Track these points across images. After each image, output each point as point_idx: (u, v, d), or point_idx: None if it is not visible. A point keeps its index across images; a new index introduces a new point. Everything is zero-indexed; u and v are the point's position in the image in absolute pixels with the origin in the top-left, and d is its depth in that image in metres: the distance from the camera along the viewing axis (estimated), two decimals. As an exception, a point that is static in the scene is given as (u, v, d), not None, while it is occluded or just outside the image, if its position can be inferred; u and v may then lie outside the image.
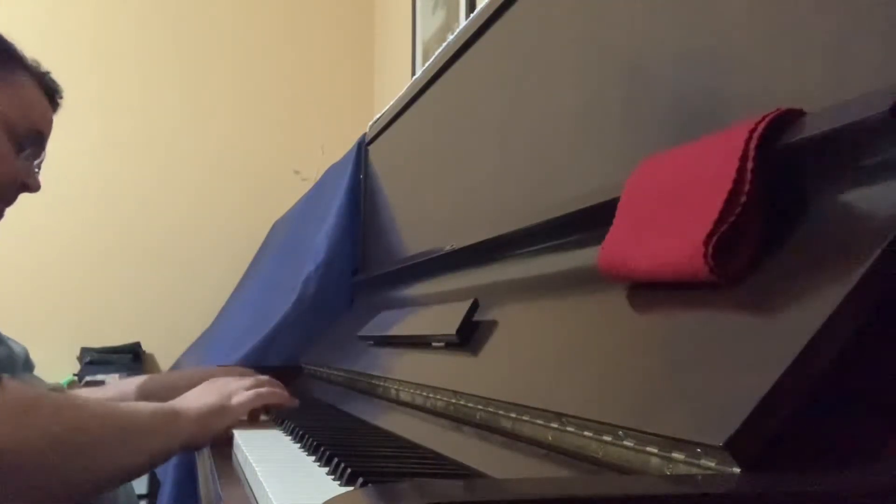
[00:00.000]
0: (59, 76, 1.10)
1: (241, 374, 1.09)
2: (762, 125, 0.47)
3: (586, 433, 0.50)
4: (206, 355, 1.93)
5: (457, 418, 0.74)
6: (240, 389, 0.96)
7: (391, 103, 1.59)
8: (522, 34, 0.97)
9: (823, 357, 0.38)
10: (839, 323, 0.38)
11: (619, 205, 0.59)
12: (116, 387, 1.25)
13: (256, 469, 0.67)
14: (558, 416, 0.54)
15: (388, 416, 0.94)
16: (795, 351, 0.38)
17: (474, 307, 0.82)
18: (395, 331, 1.08)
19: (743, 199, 0.46)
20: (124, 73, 2.94)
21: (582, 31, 0.82)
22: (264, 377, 1.05)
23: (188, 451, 0.93)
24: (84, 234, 2.85)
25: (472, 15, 1.14)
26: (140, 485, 2.39)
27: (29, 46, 1.07)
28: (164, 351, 2.80)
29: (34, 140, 1.00)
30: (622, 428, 0.46)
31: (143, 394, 1.12)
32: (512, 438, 0.62)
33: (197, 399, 0.92)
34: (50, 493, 0.74)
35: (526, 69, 0.95)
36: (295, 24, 3.17)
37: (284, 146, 3.07)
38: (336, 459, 0.65)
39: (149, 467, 0.85)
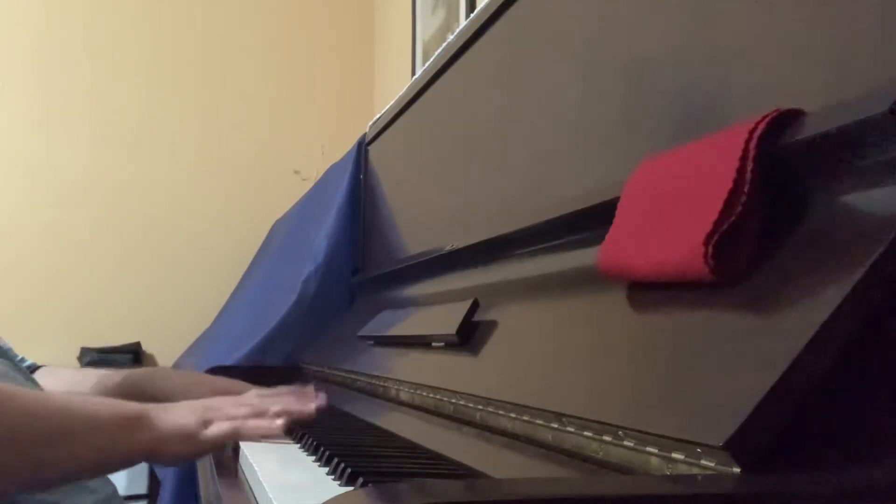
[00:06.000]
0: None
1: (239, 399, 0.93)
2: (762, 125, 0.47)
3: (586, 433, 0.50)
4: (206, 355, 1.93)
5: (457, 418, 0.74)
6: (224, 417, 0.85)
7: (391, 103, 1.59)
8: (522, 34, 0.97)
9: (823, 357, 0.38)
10: (839, 323, 0.38)
11: (619, 205, 0.60)
12: (72, 377, 1.20)
13: (256, 469, 0.67)
14: (558, 416, 0.54)
15: (388, 416, 0.94)
16: (795, 351, 0.38)
17: (474, 307, 0.82)
18: (396, 331, 1.08)
19: (743, 199, 0.46)
20: (124, 73, 2.94)
21: (582, 31, 0.82)
22: (266, 403, 0.90)
23: (149, 462, 0.87)
24: (84, 235, 2.85)
25: (472, 15, 1.14)
26: (140, 485, 2.40)
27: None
28: (164, 351, 2.80)
29: None
30: (622, 428, 0.46)
31: (122, 388, 1.07)
32: (512, 438, 0.62)
33: (173, 414, 0.83)
34: None
35: (526, 69, 0.95)
36: (295, 23, 3.17)
37: (284, 146, 3.07)
38: (336, 459, 0.65)
39: (99, 470, 0.80)
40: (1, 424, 0.69)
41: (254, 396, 0.91)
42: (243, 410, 0.87)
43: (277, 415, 0.88)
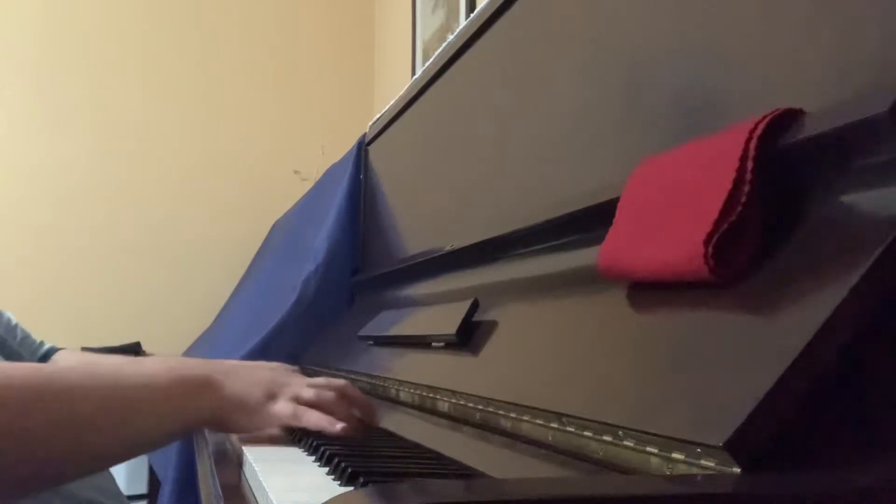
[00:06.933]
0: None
1: (310, 380, 0.86)
2: (762, 125, 0.47)
3: (586, 433, 0.50)
4: (206, 355, 1.93)
5: (457, 418, 0.74)
6: (290, 395, 0.80)
7: (391, 103, 1.59)
8: (522, 34, 0.97)
9: (823, 357, 0.38)
10: (839, 323, 0.38)
11: (619, 205, 0.59)
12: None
13: (256, 469, 0.67)
14: (558, 416, 0.54)
15: (389, 416, 0.94)
16: (795, 351, 0.38)
17: (474, 307, 0.82)
18: (395, 331, 1.08)
19: (743, 199, 0.46)
20: (124, 73, 2.94)
21: (582, 31, 0.82)
22: (334, 397, 0.83)
23: (209, 427, 0.83)
24: (84, 235, 2.85)
25: (472, 15, 1.14)
26: (140, 485, 2.40)
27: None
28: (164, 351, 2.79)
29: None
30: (622, 428, 0.46)
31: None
32: (512, 438, 0.62)
33: (240, 382, 0.79)
34: (32, 479, 0.66)
35: (526, 69, 0.95)
36: (295, 24, 3.17)
37: (284, 146, 3.07)
38: (336, 459, 0.65)
39: (162, 440, 0.77)
40: (42, 417, 0.65)
41: (323, 381, 0.85)
42: (309, 394, 0.81)
43: (346, 419, 0.81)
